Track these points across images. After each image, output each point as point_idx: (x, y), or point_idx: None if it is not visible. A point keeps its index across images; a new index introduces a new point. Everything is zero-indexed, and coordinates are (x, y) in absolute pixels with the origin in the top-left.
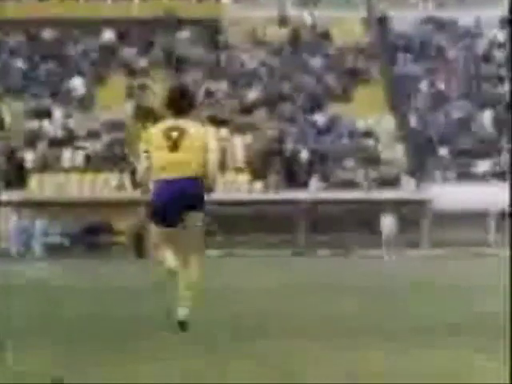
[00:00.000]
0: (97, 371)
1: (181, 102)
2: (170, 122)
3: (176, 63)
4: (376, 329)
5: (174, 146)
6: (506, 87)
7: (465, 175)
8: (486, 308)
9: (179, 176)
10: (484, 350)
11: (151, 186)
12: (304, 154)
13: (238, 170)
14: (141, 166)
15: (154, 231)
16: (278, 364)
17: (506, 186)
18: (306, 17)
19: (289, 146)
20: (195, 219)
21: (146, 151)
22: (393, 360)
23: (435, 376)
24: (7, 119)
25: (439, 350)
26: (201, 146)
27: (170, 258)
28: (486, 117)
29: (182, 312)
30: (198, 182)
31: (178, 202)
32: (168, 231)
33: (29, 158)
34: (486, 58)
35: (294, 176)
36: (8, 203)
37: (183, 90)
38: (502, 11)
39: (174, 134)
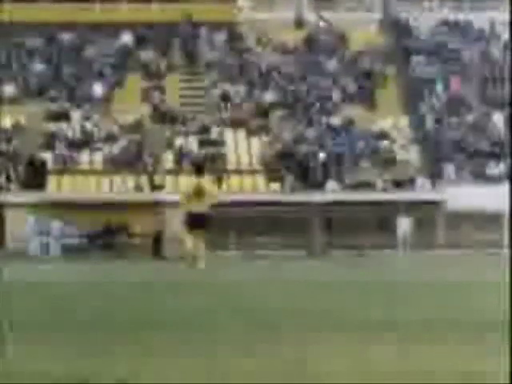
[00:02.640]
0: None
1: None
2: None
3: (193, 66)
4: (382, 323)
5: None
6: None
7: (479, 176)
8: (494, 306)
9: None
10: (486, 348)
11: None
12: (320, 156)
13: (255, 171)
14: None
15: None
16: (290, 359)
17: None
18: (322, 19)
19: (305, 148)
20: None
21: None
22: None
23: (437, 373)
24: (25, 121)
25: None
26: None
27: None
28: (499, 119)
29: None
30: None
31: None
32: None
33: (47, 159)
34: (501, 60)
35: (309, 178)
36: (26, 204)
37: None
38: None
39: None
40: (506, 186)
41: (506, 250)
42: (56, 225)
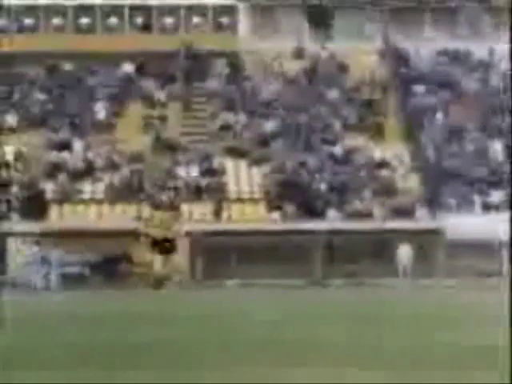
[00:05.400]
0: None
1: None
2: None
3: (194, 95)
4: (377, 358)
5: None
6: None
7: (479, 205)
8: (489, 341)
9: None
10: None
11: None
12: (321, 185)
13: (255, 200)
14: None
15: None
16: None
17: None
18: (322, 49)
19: (306, 177)
20: None
21: None
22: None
23: None
24: (26, 151)
25: None
26: None
27: None
28: (499, 147)
29: None
30: None
31: None
32: None
33: (48, 189)
34: (500, 89)
35: (310, 206)
36: (27, 234)
37: None
38: None
39: None
40: (506, 214)
41: (507, 278)
42: (57, 254)
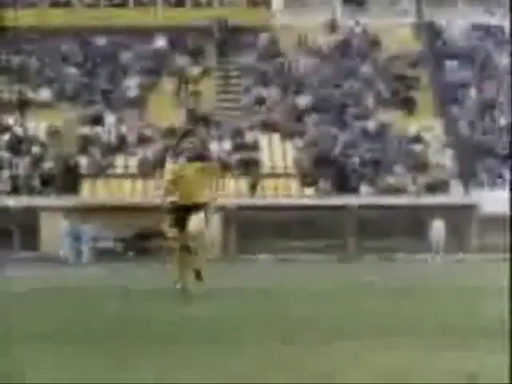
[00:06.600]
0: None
1: None
2: None
3: (228, 70)
4: (411, 329)
5: None
6: None
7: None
8: None
9: None
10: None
11: None
12: (354, 160)
13: (289, 175)
14: None
15: None
16: (318, 364)
17: None
18: (356, 24)
19: (339, 152)
20: None
21: None
22: (421, 359)
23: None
24: (59, 126)
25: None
26: None
27: None
28: None
29: None
30: None
31: None
32: None
33: (82, 164)
34: None
35: (344, 182)
36: (60, 209)
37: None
38: None
39: None
40: None
41: None
42: (89, 229)
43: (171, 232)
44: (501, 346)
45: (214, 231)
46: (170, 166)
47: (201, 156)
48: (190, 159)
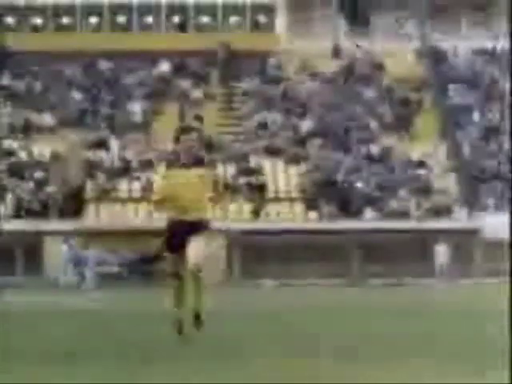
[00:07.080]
0: None
1: None
2: None
3: (231, 95)
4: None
5: None
6: None
7: None
8: None
9: None
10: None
11: None
12: (358, 185)
13: (292, 199)
14: None
15: None
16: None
17: None
18: (358, 47)
19: (342, 176)
20: None
21: None
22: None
23: None
24: (63, 150)
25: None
26: None
27: None
28: None
29: None
30: None
31: None
32: None
33: (87, 188)
34: None
35: (347, 206)
36: (64, 233)
37: None
38: None
39: None
40: None
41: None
42: (94, 253)
43: (168, 259)
44: (501, 363)
45: (219, 256)
46: (162, 169)
47: (200, 161)
48: (188, 164)
